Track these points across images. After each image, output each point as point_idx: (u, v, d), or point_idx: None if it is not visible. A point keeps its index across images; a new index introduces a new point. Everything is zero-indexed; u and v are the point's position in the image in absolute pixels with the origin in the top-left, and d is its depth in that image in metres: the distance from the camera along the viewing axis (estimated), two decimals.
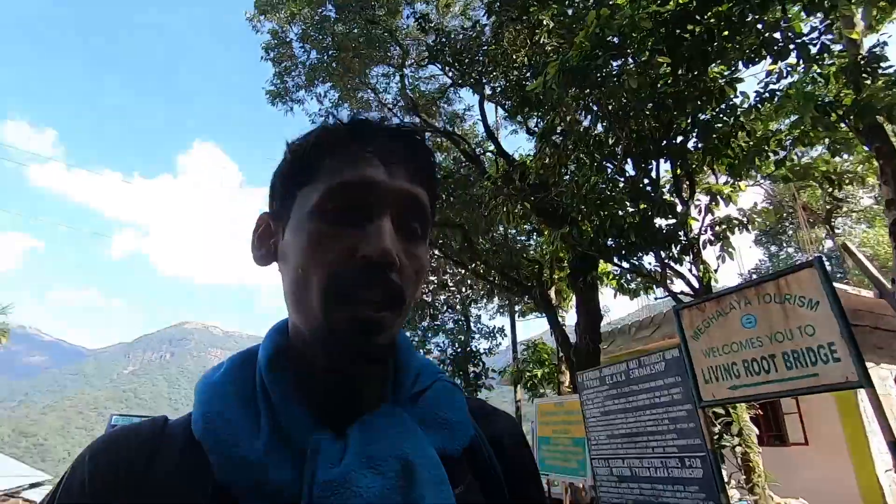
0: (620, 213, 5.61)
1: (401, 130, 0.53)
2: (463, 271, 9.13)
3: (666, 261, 5.65)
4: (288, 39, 7.82)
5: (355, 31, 7.10)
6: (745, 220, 5.74)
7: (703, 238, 5.75)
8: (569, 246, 5.79)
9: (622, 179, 5.39)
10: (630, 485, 4.25)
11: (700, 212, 5.73)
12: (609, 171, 5.42)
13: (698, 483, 3.63)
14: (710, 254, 5.67)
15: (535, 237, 8.25)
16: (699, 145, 5.48)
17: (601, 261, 6.22)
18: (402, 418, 0.51)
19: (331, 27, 6.85)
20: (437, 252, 9.38)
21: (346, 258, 0.46)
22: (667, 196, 5.70)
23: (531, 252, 8.06)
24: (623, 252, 5.74)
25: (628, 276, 6.17)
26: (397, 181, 0.49)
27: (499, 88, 7.00)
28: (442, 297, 11.72)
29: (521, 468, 0.60)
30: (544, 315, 6.67)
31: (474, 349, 11.10)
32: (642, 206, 5.48)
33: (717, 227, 5.76)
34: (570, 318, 8.45)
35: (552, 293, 8.59)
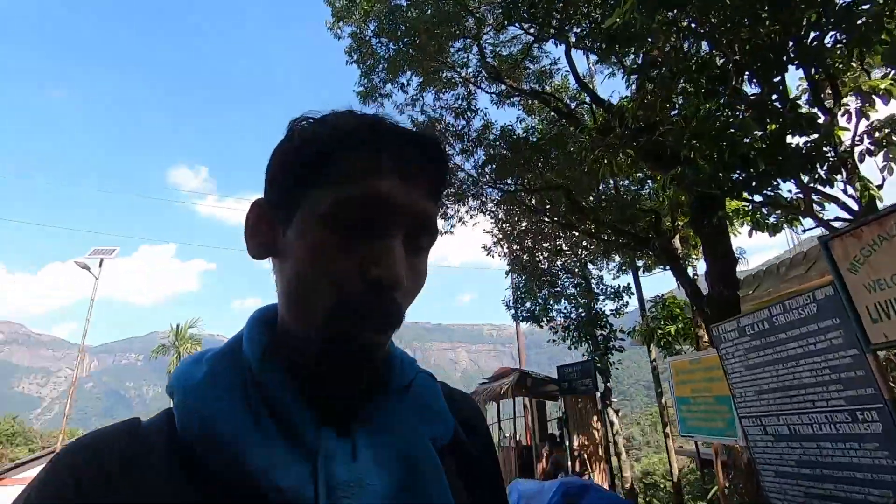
0: (745, 140, 4.88)
1: (422, 138, 0.50)
2: (575, 234, 8.74)
3: (811, 185, 4.81)
4: (367, 38, 8.08)
5: (428, 12, 7.09)
6: None
7: (858, 150, 4.81)
8: (684, 188, 5.22)
9: (741, 101, 4.67)
10: (790, 444, 3.78)
11: (850, 118, 4.78)
12: (722, 94, 4.73)
13: (877, 439, 3.09)
14: (870, 168, 4.71)
15: (649, 185, 7.55)
16: (840, 37, 4.52)
17: (727, 198, 5.51)
18: (401, 413, 0.52)
19: (402, 15, 6.92)
20: (545, 218, 9.11)
21: (354, 276, 0.45)
22: (804, 108, 4.82)
23: (646, 202, 7.37)
24: (753, 184, 5.01)
25: (763, 209, 5.37)
26: (413, 197, 0.47)
27: (583, 33, 6.49)
28: (559, 263, 11.39)
29: (488, 445, 0.63)
30: (668, 268, 6.09)
31: (599, 311, 10.64)
32: (772, 128, 4.71)
33: (876, 133, 4.76)
34: (701, 267, 7.66)
35: (677, 242, 7.86)
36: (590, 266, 11.81)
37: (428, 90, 8.32)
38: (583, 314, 10.57)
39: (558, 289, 11.54)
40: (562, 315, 11.07)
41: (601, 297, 11.45)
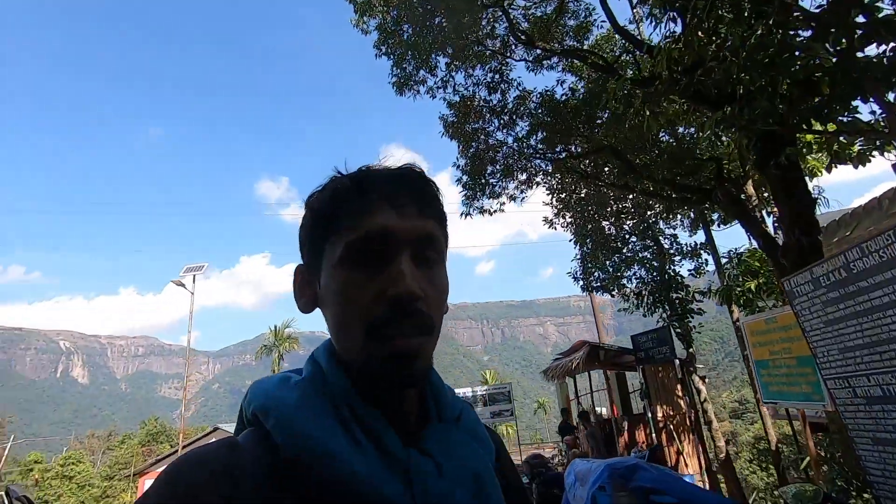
0: (810, 62, 4.22)
1: (403, 173, 0.58)
2: (631, 195, 8.15)
3: None
4: (392, 28, 8.03)
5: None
6: None
7: None
8: (740, 130, 4.66)
9: (792, 17, 4.04)
10: (885, 407, 3.29)
11: None
12: (769, 13, 4.13)
13: None
14: None
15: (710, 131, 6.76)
16: None
17: (796, 133, 4.85)
18: (464, 437, 0.59)
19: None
20: (600, 182, 8.59)
21: (377, 300, 0.52)
22: (884, 10, 4.05)
23: (707, 149, 6.59)
24: (825, 111, 4.34)
25: (841, 138, 4.64)
26: (408, 221, 0.55)
27: None
28: (626, 226, 10.74)
29: (512, 465, 0.71)
30: (737, 221, 5.45)
31: (674, 273, 9.88)
32: (840, 45, 4.03)
33: None
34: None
35: (750, 189, 7.04)
36: (661, 225, 11.02)
37: (458, 69, 8.11)
38: (656, 278, 9.89)
39: (629, 253, 10.89)
40: (634, 281, 10.45)
41: (677, 258, 10.68)
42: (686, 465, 8.19)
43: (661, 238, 10.54)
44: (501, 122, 8.09)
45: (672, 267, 10.40)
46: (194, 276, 17.15)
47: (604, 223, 10.91)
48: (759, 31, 4.17)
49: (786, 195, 4.98)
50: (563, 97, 7.61)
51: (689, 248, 10.28)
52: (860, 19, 4.11)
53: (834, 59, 3.96)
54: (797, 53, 4.21)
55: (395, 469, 0.50)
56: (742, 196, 6.26)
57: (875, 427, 3.40)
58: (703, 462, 8.49)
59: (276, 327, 28.40)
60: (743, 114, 4.46)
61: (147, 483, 22.36)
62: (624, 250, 10.74)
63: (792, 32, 4.27)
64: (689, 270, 10.41)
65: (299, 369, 0.62)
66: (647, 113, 5.31)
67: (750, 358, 5.01)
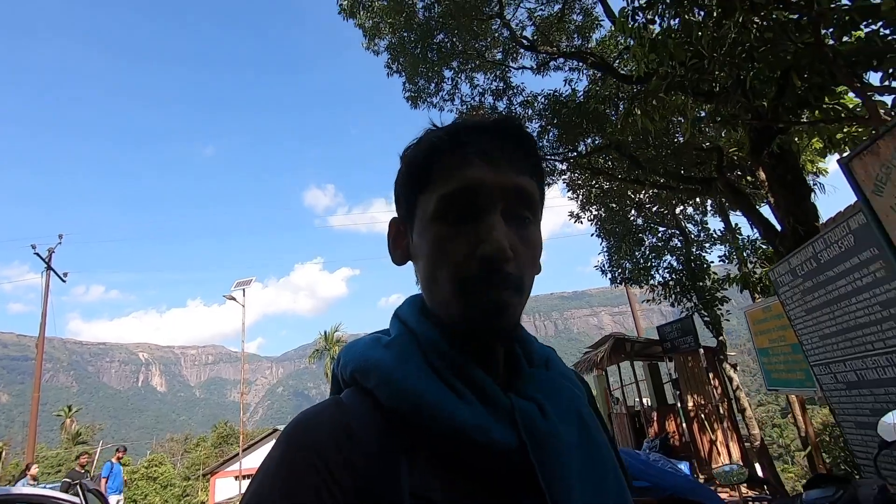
0: (781, 55, 4.28)
1: (499, 123, 0.57)
2: (643, 190, 8.16)
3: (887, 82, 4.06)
4: (401, 49, 8.45)
5: (437, 10, 7.18)
6: None
7: None
8: (722, 123, 4.76)
9: (759, 13, 4.12)
10: (861, 391, 3.40)
11: None
12: (739, 10, 4.21)
13: None
14: None
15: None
16: None
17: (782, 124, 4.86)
18: (556, 381, 0.59)
19: (417, 21, 7.09)
20: (611, 177, 8.66)
21: (467, 257, 0.52)
22: None
23: (709, 140, 6.55)
24: (807, 100, 4.37)
25: (831, 126, 4.62)
26: (502, 176, 0.53)
27: None
28: (650, 215, 10.66)
29: (598, 411, 0.70)
30: (737, 210, 5.46)
31: (702, 260, 9.73)
32: (805, 40, 4.06)
33: None
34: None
35: (762, 173, 6.95)
36: (691, 211, 10.86)
37: (461, 81, 8.43)
38: (681, 268, 9.79)
39: (659, 243, 10.82)
40: (663, 271, 10.37)
41: (706, 245, 10.52)
42: (719, 454, 8.14)
43: (686, 225, 10.40)
44: None
45: (700, 254, 10.26)
46: (244, 289, 18.37)
47: (630, 215, 10.90)
48: (731, 30, 4.26)
49: (780, 184, 5.02)
50: (567, 98, 7.75)
51: (718, 234, 10.10)
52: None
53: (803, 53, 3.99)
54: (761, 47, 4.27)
55: (499, 414, 0.51)
56: (747, 182, 6.21)
57: (856, 411, 3.49)
58: (739, 450, 8.40)
59: (325, 332, 29.66)
60: (721, 109, 4.56)
61: (218, 482, 24.05)
62: (653, 240, 10.69)
63: (765, 24, 4.33)
64: (720, 257, 10.22)
65: (385, 330, 0.63)
66: (638, 112, 5.45)
67: (753, 346, 5.07)
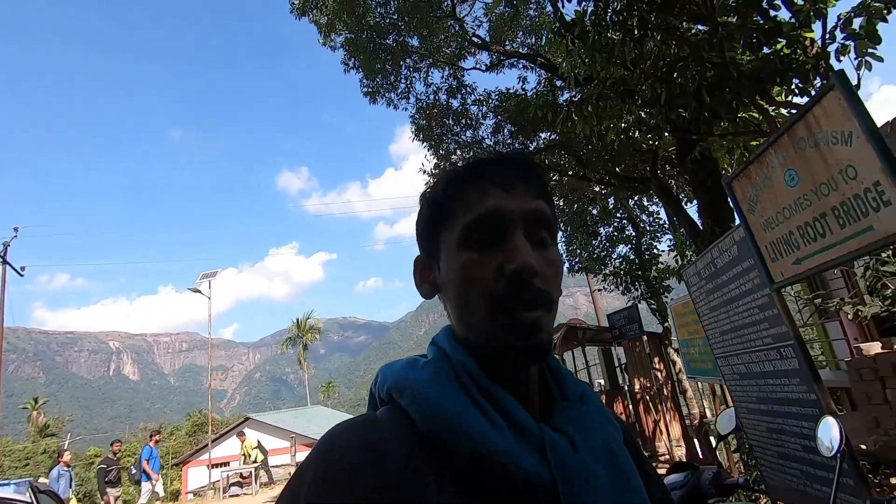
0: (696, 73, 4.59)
1: (511, 158, 0.61)
2: (590, 185, 8.52)
3: (781, 106, 4.44)
4: (356, 45, 8.51)
5: (393, 9, 7.29)
6: None
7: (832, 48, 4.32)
8: (647, 131, 5.09)
9: (677, 37, 4.42)
10: (748, 381, 3.82)
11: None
12: (656, 31, 4.50)
13: (798, 374, 3.11)
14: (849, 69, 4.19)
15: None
16: None
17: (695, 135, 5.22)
18: (590, 416, 0.60)
19: (368, 16, 7.17)
20: (560, 173, 8.98)
21: (496, 276, 0.53)
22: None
23: (642, 142, 6.93)
24: (716, 115, 4.72)
25: (738, 137, 5.00)
26: (519, 202, 0.57)
27: None
28: (602, 207, 11.09)
29: (637, 448, 0.70)
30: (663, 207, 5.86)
31: (651, 248, 10.24)
32: (713, 59, 4.38)
33: (849, 27, 4.23)
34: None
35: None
36: (645, 201, 11.33)
37: (416, 80, 8.57)
38: (633, 257, 10.28)
39: (614, 233, 11.28)
40: (615, 261, 10.86)
41: (658, 234, 11.02)
42: (661, 433, 8.74)
43: (640, 215, 10.86)
44: (465, 123, 8.54)
45: (652, 242, 10.74)
46: (209, 281, 18.27)
47: (586, 206, 11.30)
48: (652, 48, 4.55)
49: (702, 188, 5.40)
50: (519, 96, 7.99)
51: (666, 225, 10.60)
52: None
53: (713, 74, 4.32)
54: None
55: (529, 444, 0.51)
56: (683, 181, 6.61)
57: (747, 399, 3.92)
58: (681, 428, 9.02)
59: (298, 320, 29.71)
60: (644, 119, 4.89)
61: (190, 471, 24.13)
62: (609, 229, 11.14)
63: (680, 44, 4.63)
64: (669, 246, 10.74)
65: (423, 354, 0.64)
66: (575, 117, 5.74)
67: (676, 337, 5.50)
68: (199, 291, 17.99)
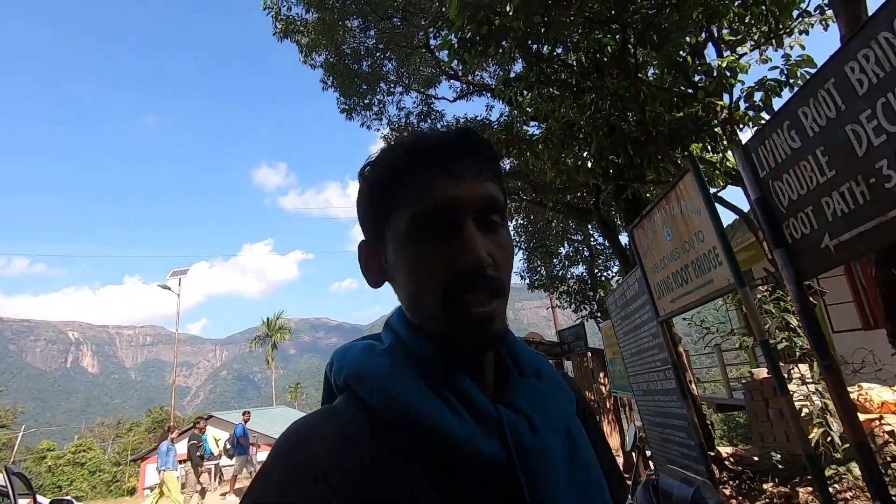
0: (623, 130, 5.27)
1: (456, 135, 0.57)
2: (545, 210, 9.23)
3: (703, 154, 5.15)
4: (338, 61, 9.02)
5: (372, 33, 7.83)
6: (786, 77, 4.80)
7: (739, 114, 5.04)
8: (586, 174, 5.75)
9: (608, 95, 5.09)
10: (649, 398, 4.46)
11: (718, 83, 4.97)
12: (589, 90, 5.16)
13: (674, 393, 3.73)
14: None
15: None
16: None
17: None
18: (548, 391, 0.61)
19: (346, 44, 7.71)
20: (517, 196, 9.64)
21: (448, 271, 0.52)
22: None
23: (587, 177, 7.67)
24: (641, 166, 5.42)
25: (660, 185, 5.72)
26: (469, 188, 0.54)
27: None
28: (561, 228, 11.81)
29: (589, 409, 0.73)
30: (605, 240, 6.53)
31: (605, 269, 11.00)
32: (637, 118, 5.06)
33: (750, 99, 4.97)
34: None
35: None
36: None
37: (389, 103, 9.12)
38: (586, 277, 11.02)
39: (572, 253, 12.00)
40: (571, 280, 11.57)
41: (612, 257, 11.76)
42: None
43: (597, 238, 11.60)
44: None
45: (606, 263, 11.49)
46: (180, 279, 18.29)
47: (549, 225, 12.00)
48: (588, 104, 5.22)
49: (630, 223, 6.10)
50: (484, 122, 8.62)
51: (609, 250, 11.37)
52: None
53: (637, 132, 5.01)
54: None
55: (488, 427, 0.52)
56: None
57: (650, 412, 4.57)
58: (620, 440, 9.73)
59: (268, 319, 29.72)
60: (580, 165, 5.55)
61: (148, 468, 23.87)
62: (569, 249, 11.86)
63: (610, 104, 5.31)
64: (618, 272, 11.51)
65: (377, 335, 0.64)
66: (528, 154, 6.38)
67: (605, 356, 6.16)
68: (168, 288, 17.97)
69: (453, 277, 0.52)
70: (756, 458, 5.27)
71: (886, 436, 3.66)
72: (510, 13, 4.19)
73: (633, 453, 2.76)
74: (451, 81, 9.64)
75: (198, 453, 11.00)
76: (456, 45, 4.24)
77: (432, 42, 8.40)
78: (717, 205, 5.50)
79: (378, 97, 8.88)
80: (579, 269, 11.86)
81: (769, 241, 2.29)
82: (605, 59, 5.02)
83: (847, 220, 1.88)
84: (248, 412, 13.90)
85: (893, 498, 1.92)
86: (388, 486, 0.49)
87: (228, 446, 12.54)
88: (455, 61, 4.51)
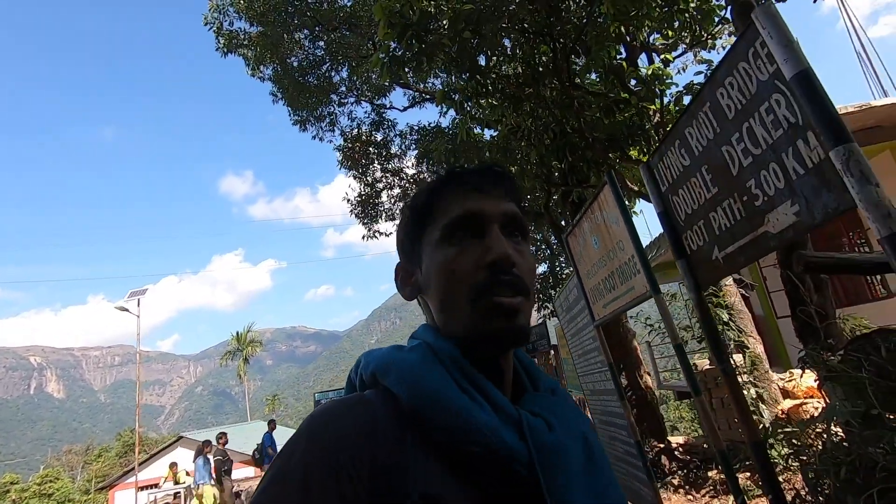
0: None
1: (487, 167, 0.66)
2: None
3: (618, 167, 5.33)
4: (285, 74, 8.93)
5: (321, 44, 7.81)
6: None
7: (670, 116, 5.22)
8: (533, 180, 5.86)
9: (545, 104, 5.21)
10: (595, 398, 4.58)
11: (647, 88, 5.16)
12: (526, 100, 5.28)
13: (612, 393, 3.85)
14: None
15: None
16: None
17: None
18: (564, 405, 0.65)
19: (290, 59, 7.65)
20: None
21: (477, 266, 0.58)
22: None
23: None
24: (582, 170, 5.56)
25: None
26: (494, 203, 0.62)
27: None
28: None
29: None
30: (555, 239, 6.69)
31: (565, 269, 11.21)
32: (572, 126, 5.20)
33: (680, 102, 5.18)
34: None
35: None
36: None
37: (340, 115, 9.09)
38: (549, 276, 11.21)
39: (533, 251, 12.18)
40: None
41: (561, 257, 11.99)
42: None
43: (555, 240, 11.80)
44: (386, 155, 9.14)
45: (562, 262, 11.70)
46: (139, 299, 17.72)
47: None
48: (526, 116, 5.33)
49: None
50: (438, 129, 8.68)
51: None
52: None
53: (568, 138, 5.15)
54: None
55: (509, 422, 0.55)
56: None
57: (597, 411, 4.70)
58: None
59: (238, 333, 29.12)
60: (525, 171, 5.67)
61: (118, 495, 23.08)
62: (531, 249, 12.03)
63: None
64: None
65: (401, 345, 0.66)
66: (476, 162, 6.47)
67: (559, 355, 6.31)
68: (126, 310, 17.39)
69: (482, 272, 0.58)
70: (705, 447, 5.49)
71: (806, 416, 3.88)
72: (441, 30, 4.25)
73: None
74: (405, 90, 9.67)
75: (224, 468, 11.13)
76: (388, 64, 4.28)
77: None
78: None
79: (329, 109, 8.84)
80: (541, 268, 12.05)
81: (673, 252, 2.41)
82: (541, 69, 5.14)
83: (730, 233, 2.00)
84: (273, 421, 13.47)
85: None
86: (408, 477, 0.50)
87: (257, 455, 12.69)
88: (387, 80, 4.54)
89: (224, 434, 12.30)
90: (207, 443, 11.29)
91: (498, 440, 0.52)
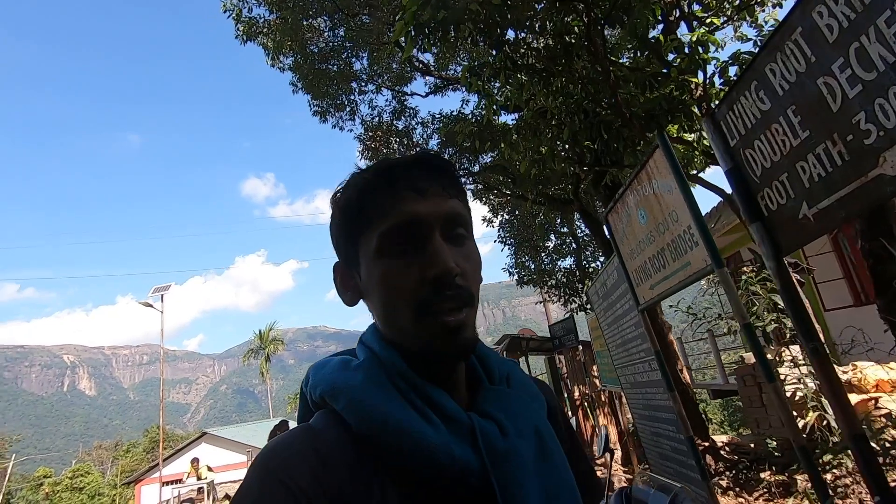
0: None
1: (421, 159, 0.62)
2: (526, 203, 9.05)
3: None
4: (305, 62, 8.78)
5: (341, 33, 7.62)
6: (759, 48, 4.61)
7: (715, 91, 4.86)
8: (563, 161, 5.55)
9: (579, 79, 4.89)
10: (637, 390, 4.25)
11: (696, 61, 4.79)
12: (560, 75, 4.97)
13: (660, 385, 3.53)
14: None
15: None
16: None
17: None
18: (518, 396, 0.63)
19: (311, 43, 7.48)
20: (496, 193, 9.44)
21: (419, 282, 0.55)
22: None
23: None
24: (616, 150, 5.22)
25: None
26: (434, 205, 0.58)
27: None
28: (545, 221, 11.62)
29: (561, 411, 0.76)
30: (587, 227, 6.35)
31: (591, 262, 10.82)
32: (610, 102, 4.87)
33: (725, 74, 4.80)
34: None
35: None
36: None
37: (361, 103, 8.90)
38: (575, 269, 10.84)
39: (560, 245, 11.81)
40: (559, 274, 11.38)
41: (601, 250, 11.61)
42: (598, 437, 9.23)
43: (582, 231, 11.43)
44: (409, 144, 8.91)
45: (594, 254, 11.32)
46: (162, 295, 17.95)
47: (537, 218, 11.82)
48: (560, 89, 5.02)
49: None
50: (461, 117, 8.42)
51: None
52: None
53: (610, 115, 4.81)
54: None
55: (461, 434, 0.54)
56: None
57: (638, 405, 4.37)
58: (617, 434, 9.55)
59: (260, 332, 29.36)
60: (555, 152, 5.35)
61: (144, 490, 23.48)
62: (556, 241, 11.66)
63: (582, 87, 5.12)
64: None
65: (351, 350, 0.67)
66: (503, 146, 6.18)
67: (592, 349, 5.96)
68: (151, 305, 17.63)
69: (425, 288, 0.55)
70: (752, 446, 5.09)
71: (883, 420, 3.49)
72: None
73: (606, 457, 2.53)
74: (426, 77, 9.44)
75: None
76: (412, 33, 4.02)
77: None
78: (699, 187, 5.33)
79: (350, 97, 8.67)
80: (567, 262, 11.69)
81: (745, 214, 2.10)
82: (573, 42, 4.82)
83: (825, 184, 1.68)
84: (285, 422, 13.33)
85: (892, 484, 1.73)
86: None
87: None
88: (414, 49, 4.29)
89: (285, 422, 12.15)
90: (284, 424, 11.11)
91: (448, 458, 0.52)
